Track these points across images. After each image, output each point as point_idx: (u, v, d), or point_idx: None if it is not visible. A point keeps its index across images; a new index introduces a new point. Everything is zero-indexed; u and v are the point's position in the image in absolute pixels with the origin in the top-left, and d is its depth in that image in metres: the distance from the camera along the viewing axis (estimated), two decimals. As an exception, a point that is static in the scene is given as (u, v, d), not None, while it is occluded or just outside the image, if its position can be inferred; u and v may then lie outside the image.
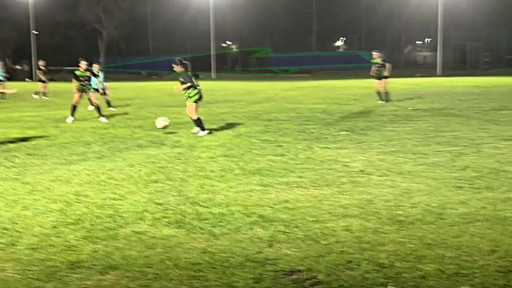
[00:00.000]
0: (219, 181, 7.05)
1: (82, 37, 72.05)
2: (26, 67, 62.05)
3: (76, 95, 14.91)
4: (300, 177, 7.26)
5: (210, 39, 61.18)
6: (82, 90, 14.90)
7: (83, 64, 14.90)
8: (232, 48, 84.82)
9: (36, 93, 25.97)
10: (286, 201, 6.00)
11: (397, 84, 30.25)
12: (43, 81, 25.92)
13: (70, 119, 14.82)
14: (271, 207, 5.78)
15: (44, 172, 7.86)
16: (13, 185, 7.01)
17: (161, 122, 12.16)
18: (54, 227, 5.19)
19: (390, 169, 7.71)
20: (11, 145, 10.59)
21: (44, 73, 26.19)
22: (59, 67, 63.59)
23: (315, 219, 5.33)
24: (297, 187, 6.69)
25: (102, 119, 14.82)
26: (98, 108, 15.02)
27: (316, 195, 6.28)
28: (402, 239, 4.69)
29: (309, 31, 78.00)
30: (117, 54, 73.72)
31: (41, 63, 26.71)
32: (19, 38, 67.22)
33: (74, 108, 14.91)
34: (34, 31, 64.76)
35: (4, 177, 7.50)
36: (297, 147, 9.70)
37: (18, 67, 61.56)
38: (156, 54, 79.38)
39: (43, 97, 25.43)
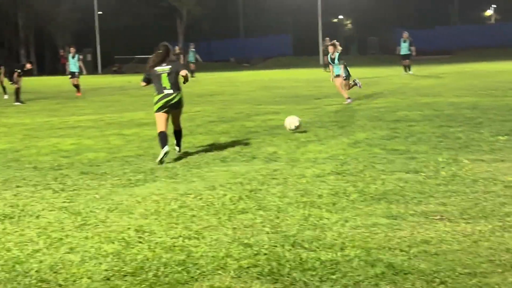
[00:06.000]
0: (329, 211, 6.75)
1: (156, 16, 74.49)
2: (89, 57, 64.68)
3: None
4: (443, 204, 6.86)
5: (317, 13, 61.23)
6: None
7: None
8: (346, 25, 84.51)
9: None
10: (426, 242, 5.59)
11: None
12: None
13: None
14: (405, 251, 5.37)
15: (100, 198, 7.84)
16: (60, 216, 6.96)
17: (291, 121, 12.53)
18: (107, 279, 5.01)
19: None
20: (63, 160, 10.76)
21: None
22: (129, 55, 65.97)
23: (469, 270, 4.87)
24: (440, 219, 6.28)
25: None
26: None
27: (468, 232, 5.83)
28: None
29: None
30: (199, 37, 75.49)
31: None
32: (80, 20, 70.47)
33: None
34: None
35: (50, 206, 7.50)
36: (438, 160, 9.29)
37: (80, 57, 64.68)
38: (248, 37, 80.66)
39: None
